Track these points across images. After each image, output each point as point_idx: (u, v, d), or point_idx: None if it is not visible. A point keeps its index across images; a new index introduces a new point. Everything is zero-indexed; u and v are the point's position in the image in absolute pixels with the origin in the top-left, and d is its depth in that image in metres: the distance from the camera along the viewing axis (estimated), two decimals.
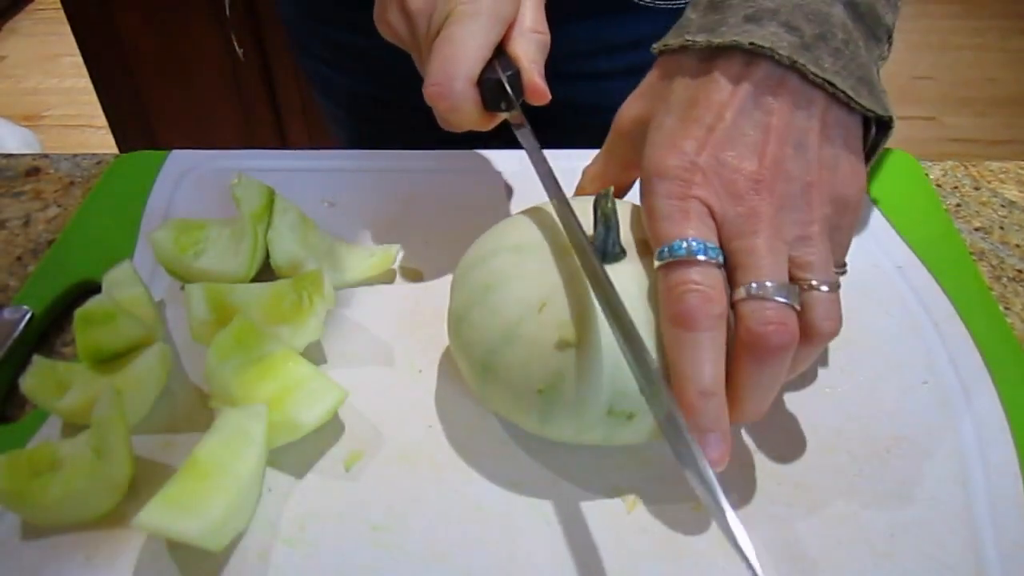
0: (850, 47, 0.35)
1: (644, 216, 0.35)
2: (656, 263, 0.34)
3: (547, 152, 0.58)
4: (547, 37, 0.44)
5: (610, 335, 0.34)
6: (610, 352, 0.34)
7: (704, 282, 0.32)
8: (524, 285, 0.36)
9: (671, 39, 0.38)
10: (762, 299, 0.32)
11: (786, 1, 0.35)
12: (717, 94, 0.35)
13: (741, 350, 0.32)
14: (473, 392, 0.40)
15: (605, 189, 0.36)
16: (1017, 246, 0.52)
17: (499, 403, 0.37)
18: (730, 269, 0.33)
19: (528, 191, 0.55)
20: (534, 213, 0.40)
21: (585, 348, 0.34)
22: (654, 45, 0.39)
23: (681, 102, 0.36)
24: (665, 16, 0.63)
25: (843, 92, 0.34)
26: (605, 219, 0.36)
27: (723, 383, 0.33)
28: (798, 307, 0.33)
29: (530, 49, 0.42)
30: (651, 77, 0.39)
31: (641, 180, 0.36)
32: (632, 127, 0.39)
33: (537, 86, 0.42)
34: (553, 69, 0.65)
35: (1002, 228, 0.53)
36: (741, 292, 0.32)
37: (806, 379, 0.43)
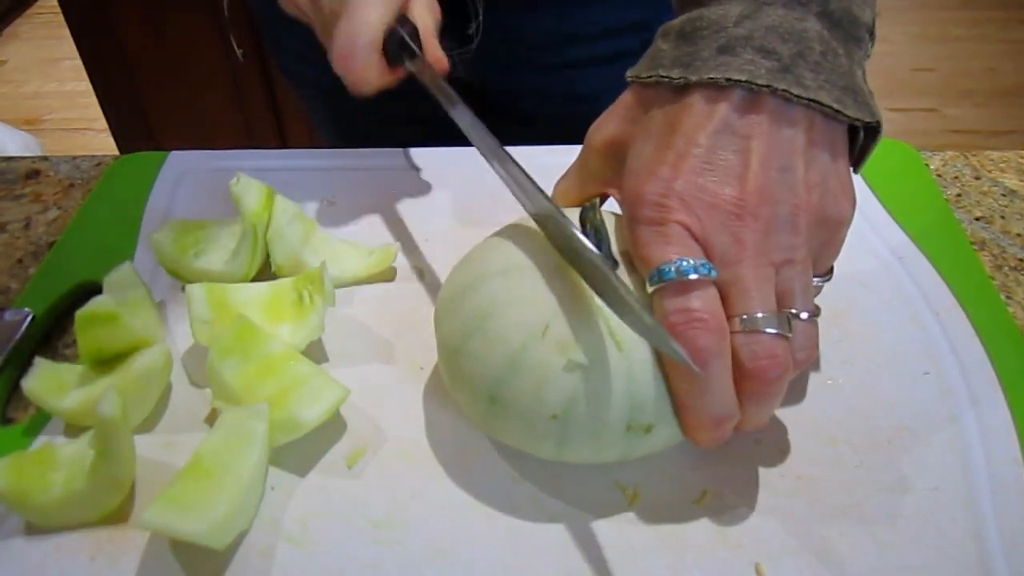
0: (829, 58, 0.34)
1: (630, 244, 0.35)
2: (649, 288, 0.33)
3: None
4: (439, 12, 0.49)
5: (618, 350, 0.33)
6: (622, 366, 0.33)
7: (702, 308, 0.31)
8: (522, 309, 0.35)
9: (644, 71, 0.37)
10: (753, 332, 0.32)
11: (757, 25, 0.34)
12: (692, 119, 0.34)
13: (736, 381, 0.32)
14: (477, 425, 0.39)
15: (591, 201, 0.35)
16: (1018, 235, 0.52)
17: (510, 434, 0.36)
18: (720, 296, 0.33)
19: None
20: (512, 232, 0.39)
21: (596, 367, 0.33)
22: (628, 73, 0.38)
23: (658, 129, 0.35)
24: (637, 3, 0.63)
25: (829, 107, 0.33)
26: (595, 231, 0.35)
27: (735, 401, 0.33)
28: (789, 334, 0.32)
29: (428, 19, 0.47)
30: (626, 100, 0.38)
31: (623, 208, 0.36)
32: (606, 147, 0.38)
33: (440, 58, 0.47)
34: (526, 60, 0.65)
35: (1003, 217, 0.53)
36: (734, 324, 0.32)
37: (807, 371, 0.43)
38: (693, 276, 0.32)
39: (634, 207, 0.34)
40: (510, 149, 0.59)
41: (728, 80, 0.33)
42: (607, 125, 0.39)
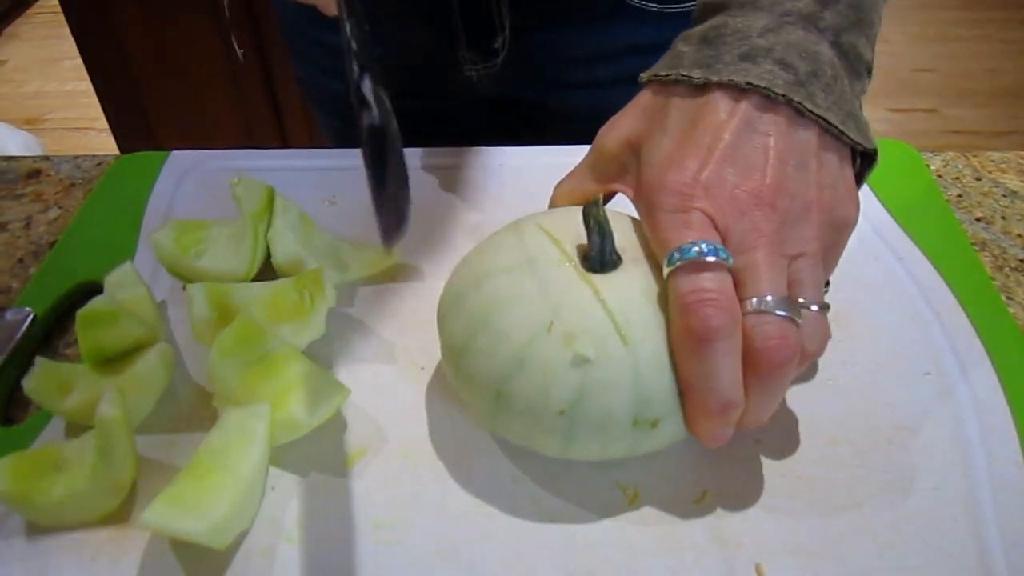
0: (838, 83, 0.36)
1: (648, 231, 0.36)
2: (666, 269, 0.34)
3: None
4: None
5: (623, 344, 0.33)
6: (628, 361, 0.33)
7: (716, 288, 0.32)
8: (527, 305, 0.35)
9: (663, 70, 0.38)
10: (764, 313, 0.32)
11: (779, 39, 0.36)
12: (715, 116, 0.35)
13: (745, 364, 0.33)
14: (484, 423, 0.40)
15: (595, 198, 0.35)
16: (1019, 236, 0.52)
17: (516, 431, 0.36)
18: (734, 284, 0.34)
19: (528, 187, 0.55)
20: (515, 230, 0.39)
21: (603, 361, 0.33)
22: (642, 74, 0.39)
23: (679, 125, 0.36)
24: (664, 21, 0.63)
25: (835, 127, 0.35)
26: (599, 228, 0.35)
27: (742, 390, 0.33)
28: (800, 321, 0.33)
29: None
30: (641, 100, 0.40)
31: (640, 198, 0.37)
32: (619, 147, 0.39)
33: None
34: (552, 76, 0.66)
35: (1004, 218, 0.53)
36: (745, 307, 0.33)
37: (808, 372, 0.43)
38: (711, 258, 0.32)
39: (656, 194, 0.35)
40: (511, 150, 0.60)
41: (748, 84, 0.35)
42: (621, 124, 0.40)
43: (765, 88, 0.35)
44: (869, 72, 0.39)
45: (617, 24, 0.64)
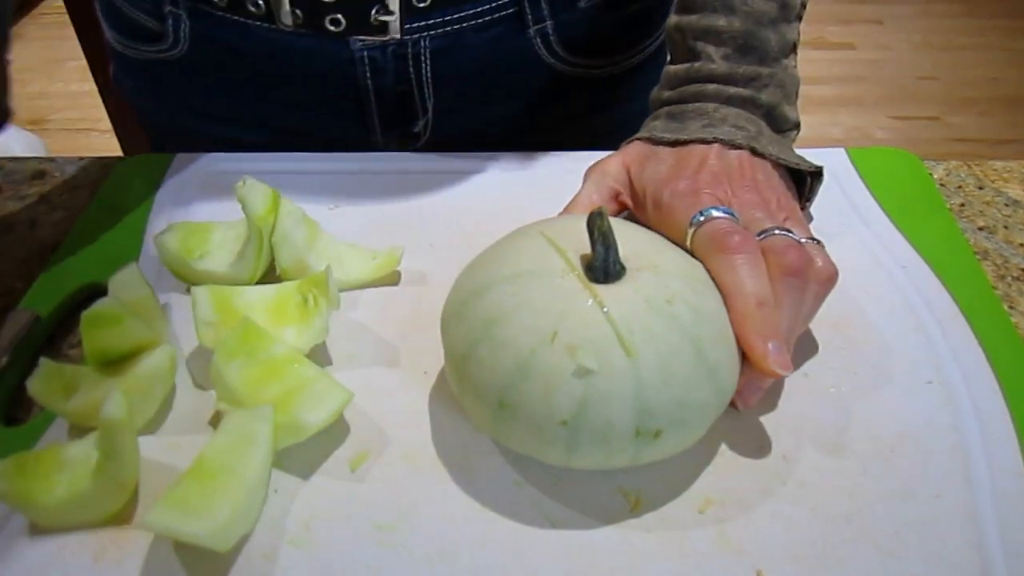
0: (776, 138, 0.48)
1: (660, 220, 0.43)
2: (690, 231, 0.40)
3: (545, 154, 0.59)
4: None
5: (626, 355, 0.34)
6: (631, 371, 0.34)
7: (735, 225, 0.40)
8: (530, 315, 0.35)
9: (642, 135, 0.48)
10: (773, 237, 0.40)
11: (730, 113, 0.47)
12: (697, 151, 0.45)
13: (775, 275, 0.39)
14: (486, 432, 0.39)
15: (598, 208, 0.36)
16: (1021, 245, 0.52)
17: (519, 440, 0.36)
18: None
19: (530, 192, 0.55)
20: (518, 238, 0.39)
21: (605, 372, 0.33)
22: (623, 143, 0.49)
23: (669, 159, 0.45)
24: (597, 86, 0.65)
25: (784, 159, 0.46)
26: (603, 238, 0.35)
27: (771, 297, 0.38)
28: (796, 239, 0.40)
29: None
30: (629, 148, 0.48)
31: (648, 199, 0.44)
32: (617, 168, 0.47)
33: None
34: (476, 149, 0.67)
35: (1006, 227, 0.53)
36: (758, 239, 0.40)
37: (810, 377, 0.43)
38: (725, 215, 0.41)
39: (666, 192, 0.43)
40: (516, 156, 0.60)
41: (715, 138, 0.45)
42: (615, 157, 0.48)
43: (728, 140, 0.45)
44: (797, 127, 0.50)
45: (551, 93, 0.63)
